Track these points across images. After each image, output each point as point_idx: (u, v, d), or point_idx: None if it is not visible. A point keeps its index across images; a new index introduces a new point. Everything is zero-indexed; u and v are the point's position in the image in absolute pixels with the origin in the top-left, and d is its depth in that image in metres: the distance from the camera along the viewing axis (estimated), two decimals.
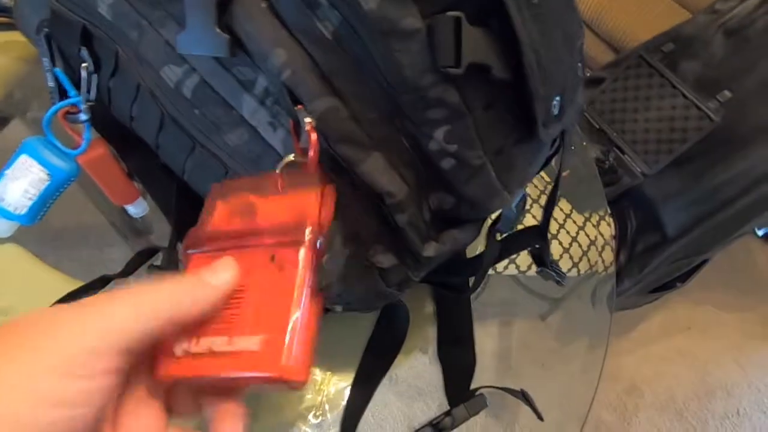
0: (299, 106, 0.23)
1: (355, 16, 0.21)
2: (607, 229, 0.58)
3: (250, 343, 0.19)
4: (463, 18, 0.20)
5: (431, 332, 0.40)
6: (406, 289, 0.29)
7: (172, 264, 0.35)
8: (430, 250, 0.26)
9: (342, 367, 0.37)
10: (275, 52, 0.23)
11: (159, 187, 0.36)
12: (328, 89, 0.24)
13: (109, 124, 0.33)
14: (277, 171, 0.23)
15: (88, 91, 0.31)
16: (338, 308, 0.33)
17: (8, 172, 0.33)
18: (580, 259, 0.54)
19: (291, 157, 0.23)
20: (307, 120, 0.23)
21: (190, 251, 0.23)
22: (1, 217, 0.34)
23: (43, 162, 0.33)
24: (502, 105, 0.23)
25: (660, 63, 0.83)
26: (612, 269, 0.54)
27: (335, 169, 0.24)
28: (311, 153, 0.22)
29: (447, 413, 0.34)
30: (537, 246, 0.35)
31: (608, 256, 0.57)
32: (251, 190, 0.24)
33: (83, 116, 0.32)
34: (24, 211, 0.33)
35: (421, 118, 0.23)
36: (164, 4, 0.25)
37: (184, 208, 0.35)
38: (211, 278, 0.20)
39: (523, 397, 0.35)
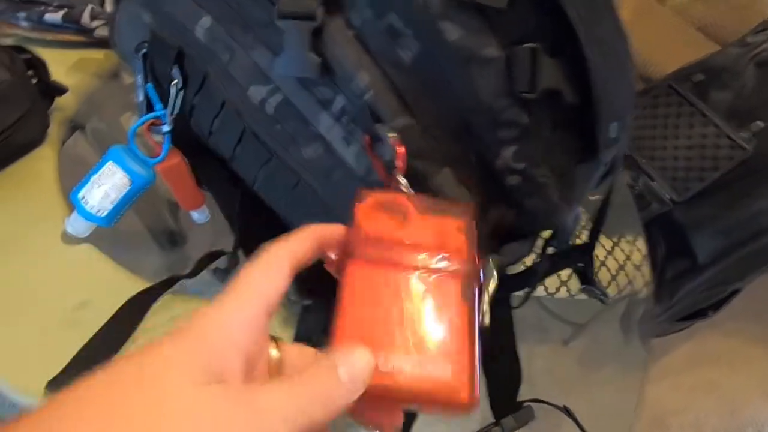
0: (379, 124, 0.26)
1: (436, 45, 0.24)
2: (638, 254, 0.58)
3: (442, 370, 0.18)
4: (540, 49, 0.22)
5: None
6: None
7: (235, 267, 0.37)
8: (493, 264, 0.28)
9: None
10: (359, 75, 0.25)
11: (225, 195, 0.38)
12: (404, 109, 0.26)
13: (184, 136, 0.36)
14: (408, 191, 0.23)
15: (174, 106, 0.33)
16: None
17: (94, 177, 0.36)
18: (609, 284, 0.54)
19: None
20: (391, 135, 0.25)
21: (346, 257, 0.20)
22: (83, 218, 0.36)
23: (126, 169, 0.35)
24: (568, 127, 0.25)
25: (690, 92, 0.85)
26: (644, 293, 0.54)
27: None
28: (399, 164, 0.24)
29: (495, 423, 0.35)
30: (582, 263, 0.36)
31: (639, 281, 0.58)
32: (394, 204, 0.21)
33: (166, 128, 0.35)
34: (104, 213, 0.36)
35: (491, 137, 0.25)
36: (256, 30, 0.28)
37: (247, 216, 0.38)
38: (344, 373, 0.16)
39: (567, 412, 0.36)
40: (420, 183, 0.27)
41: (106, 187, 0.36)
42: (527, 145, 0.25)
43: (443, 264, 0.20)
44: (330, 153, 0.29)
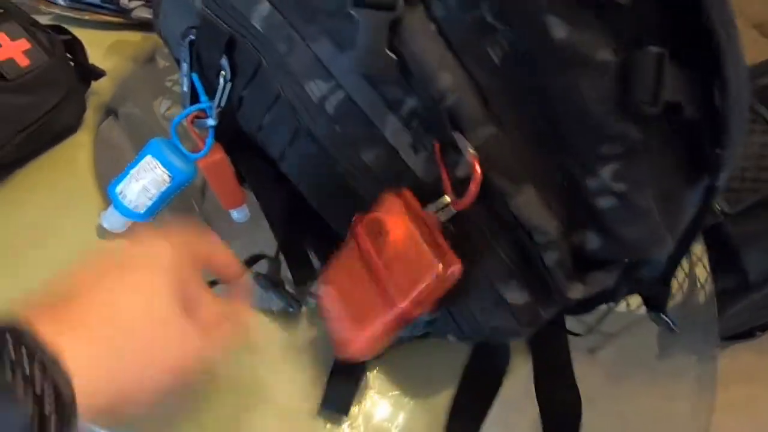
0: (458, 133, 0.23)
1: (536, 43, 0.20)
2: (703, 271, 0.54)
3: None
4: (666, 54, 0.19)
5: (523, 363, 0.38)
6: (535, 328, 0.27)
7: (276, 272, 0.35)
8: (576, 291, 0.25)
9: (407, 389, 0.36)
10: (441, 76, 0.22)
11: (268, 196, 0.36)
12: (489, 117, 0.23)
13: (228, 130, 0.34)
14: (434, 213, 0.23)
15: (221, 98, 0.31)
16: (451, 338, 0.31)
17: (133, 171, 0.34)
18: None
19: (447, 199, 0.22)
20: (470, 150, 0.22)
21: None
22: (120, 213, 0.34)
23: (166, 164, 0.33)
24: (681, 146, 0.22)
25: (752, 97, 0.79)
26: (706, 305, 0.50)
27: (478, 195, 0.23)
28: (473, 187, 0.21)
29: None
30: (659, 292, 0.33)
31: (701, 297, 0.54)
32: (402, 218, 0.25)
33: (211, 121, 0.32)
34: (143, 209, 0.34)
35: (589, 153, 0.22)
36: (320, 21, 0.25)
37: (291, 219, 0.35)
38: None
39: None
40: (498, 202, 0.24)
41: (145, 182, 0.33)
42: (632, 163, 0.22)
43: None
44: (394, 159, 0.26)
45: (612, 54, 0.20)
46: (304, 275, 0.37)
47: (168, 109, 0.55)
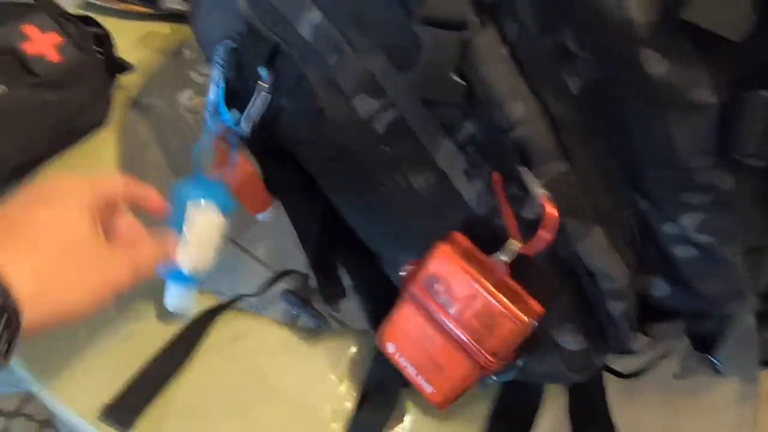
0: (524, 168, 0.21)
1: (626, 77, 0.18)
2: None
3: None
4: None
5: (555, 396, 0.36)
6: (586, 375, 0.25)
7: (305, 288, 0.34)
8: (639, 342, 0.23)
9: (436, 422, 0.35)
10: (511, 105, 0.20)
11: (301, 213, 0.34)
12: (561, 152, 0.21)
13: (261, 143, 0.32)
14: (503, 259, 0.21)
15: (257, 107, 0.29)
16: (490, 379, 0.30)
17: (191, 238, 0.29)
18: None
19: (517, 245, 0.20)
20: (542, 192, 0.20)
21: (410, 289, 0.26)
22: (185, 288, 0.31)
23: (219, 205, 0.30)
24: None
25: None
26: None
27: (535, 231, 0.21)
28: (546, 234, 0.19)
29: None
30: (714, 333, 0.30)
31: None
32: (473, 262, 0.23)
33: (243, 131, 0.30)
34: (209, 264, 0.30)
35: (671, 199, 0.20)
36: (376, 34, 0.23)
37: (325, 236, 0.34)
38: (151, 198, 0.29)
39: None
40: (565, 245, 0.22)
41: (213, 243, 0.30)
42: (720, 215, 0.19)
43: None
44: (444, 185, 0.24)
45: (714, 95, 0.17)
46: (334, 294, 0.35)
47: (191, 99, 0.54)
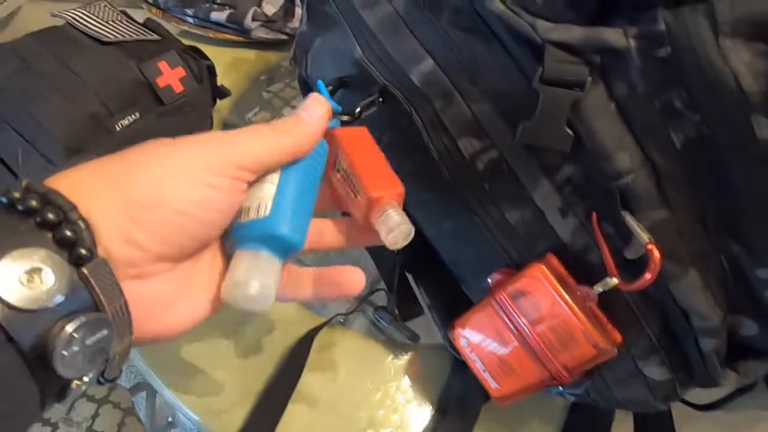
0: (628, 213, 0.23)
1: (736, 139, 0.20)
2: None
3: None
4: None
5: (623, 424, 0.37)
6: (669, 403, 0.27)
7: (394, 306, 0.36)
8: (729, 379, 0.24)
9: None
10: (618, 157, 0.22)
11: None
12: (662, 200, 0.23)
13: None
14: (593, 292, 0.23)
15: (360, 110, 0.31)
16: (571, 398, 0.31)
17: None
18: None
19: (614, 281, 0.22)
20: (647, 237, 0.22)
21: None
22: (261, 237, 0.22)
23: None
24: None
25: None
26: None
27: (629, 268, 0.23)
28: (649, 276, 0.21)
29: None
30: None
31: None
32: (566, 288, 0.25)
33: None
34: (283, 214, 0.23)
35: (766, 246, 0.21)
36: (485, 82, 0.26)
37: (400, 263, 0.36)
38: (306, 116, 0.25)
39: None
40: (657, 284, 0.23)
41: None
42: None
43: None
44: (539, 221, 0.27)
45: None
46: (410, 312, 0.38)
47: (254, 114, 0.58)
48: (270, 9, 0.55)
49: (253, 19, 0.53)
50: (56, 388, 0.16)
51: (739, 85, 0.19)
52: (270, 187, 0.23)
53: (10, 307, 0.15)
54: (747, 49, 0.19)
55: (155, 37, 0.38)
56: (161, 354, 0.35)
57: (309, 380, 0.35)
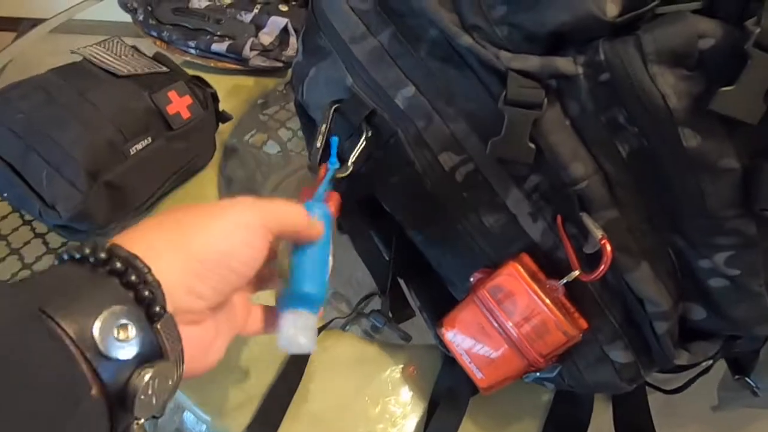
0: (585, 214, 0.26)
1: (666, 148, 0.24)
2: None
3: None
4: None
5: (603, 413, 0.40)
6: (635, 384, 0.30)
7: (387, 308, 0.39)
8: (682, 358, 0.27)
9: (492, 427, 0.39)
10: (574, 166, 0.26)
11: (369, 250, 0.40)
12: (613, 202, 0.26)
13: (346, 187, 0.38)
14: (560, 284, 0.26)
15: (356, 155, 0.35)
16: (549, 385, 0.34)
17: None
18: None
19: (577, 273, 0.26)
20: (600, 233, 0.25)
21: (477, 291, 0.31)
22: (311, 307, 0.29)
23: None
24: None
25: None
26: None
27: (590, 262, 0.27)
28: (604, 266, 0.25)
29: None
30: (750, 357, 0.34)
31: None
32: (536, 281, 0.28)
33: (342, 173, 0.36)
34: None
35: (704, 240, 0.25)
36: (460, 105, 0.30)
37: (392, 269, 0.39)
38: (316, 227, 0.28)
39: None
40: (616, 276, 0.27)
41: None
42: (746, 253, 0.24)
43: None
44: (513, 225, 0.30)
45: (737, 162, 0.23)
46: (403, 314, 0.41)
47: (251, 136, 0.62)
48: (267, 39, 0.59)
49: (251, 49, 0.58)
50: (122, 429, 0.19)
51: (666, 103, 0.23)
52: (286, 261, 0.29)
53: (104, 357, 0.17)
54: (671, 73, 0.23)
55: (164, 69, 0.42)
56: None
57: (308, 396, 0.37)
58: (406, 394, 0.38)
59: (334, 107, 0.35)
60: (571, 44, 0.25)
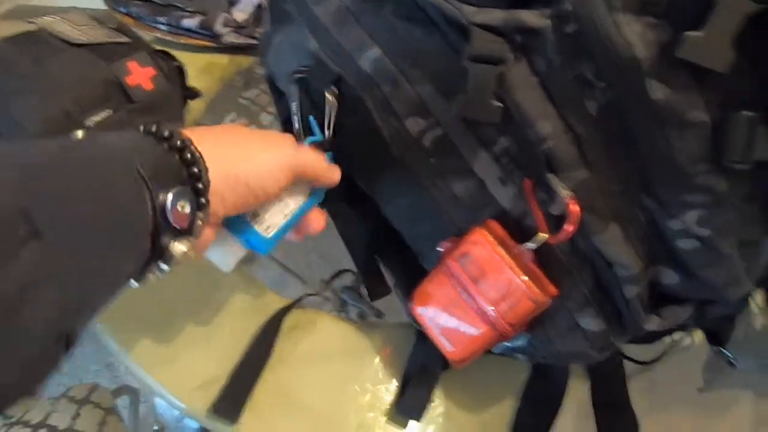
0: (552, 175, 0.25)
1: (634, 101, 0.23)
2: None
3: None
4: (757, 118, 0.21)
5: (581, 389, 0.39)
6: (606, 354, 0.29)
7: (359, 285, 0.38)
8: (652, 323, 0.27)
9: (468, 402, 0.38)
10: (540, 124, 0.25)
11: (348, 227, 0.39)
12: (582, 162, 0.25)
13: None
14: (526, 247, 0.25)
15: (330, 125, 0.34)
16: (521, 357, 0.34)
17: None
18: None
19: (545, 236, 0.25)
20: (566, 193, 0.24)
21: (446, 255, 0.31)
22: (246, 241, 0.31)
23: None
24: (765, 196, 0.23)
25: None
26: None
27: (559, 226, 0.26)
28: (570, 228, 0.24)
29: None
30: (725, 327, 0.34)
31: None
32: (503, 245, 0.28)
33: (328, 150, 0.35)
34: (272, 233, 0.31)
35: (674, 199, 0.24)
36: (425, 66, 0.28)
37: (369, 243, 0.38)
38: (335, 172, 0.33)
39: None
40: (585, 237, 0.26)
41: (287, 197, 0.31)
42: (717, 211, 0.24)
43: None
44: (482, 191, 0.29)
45: (706, 115, 0.22)
46: (379, 292, 0.40)
47: (232, 120, 0.60)
48: (240, 16, 0.57)
49: (225, 26, 0.56)
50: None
51: (632, 53, 0.22)
52: (282, 218, 0.31)
53: (171, 228, 0.22)
54: (638, 21, 0.22)
55: (126, 39, 0.40)
56: (137, 338, 0.37)
57: (296, 384, 0.37)
58: (380, 375, 0.38)
59: (298, 76, 0.34)
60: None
